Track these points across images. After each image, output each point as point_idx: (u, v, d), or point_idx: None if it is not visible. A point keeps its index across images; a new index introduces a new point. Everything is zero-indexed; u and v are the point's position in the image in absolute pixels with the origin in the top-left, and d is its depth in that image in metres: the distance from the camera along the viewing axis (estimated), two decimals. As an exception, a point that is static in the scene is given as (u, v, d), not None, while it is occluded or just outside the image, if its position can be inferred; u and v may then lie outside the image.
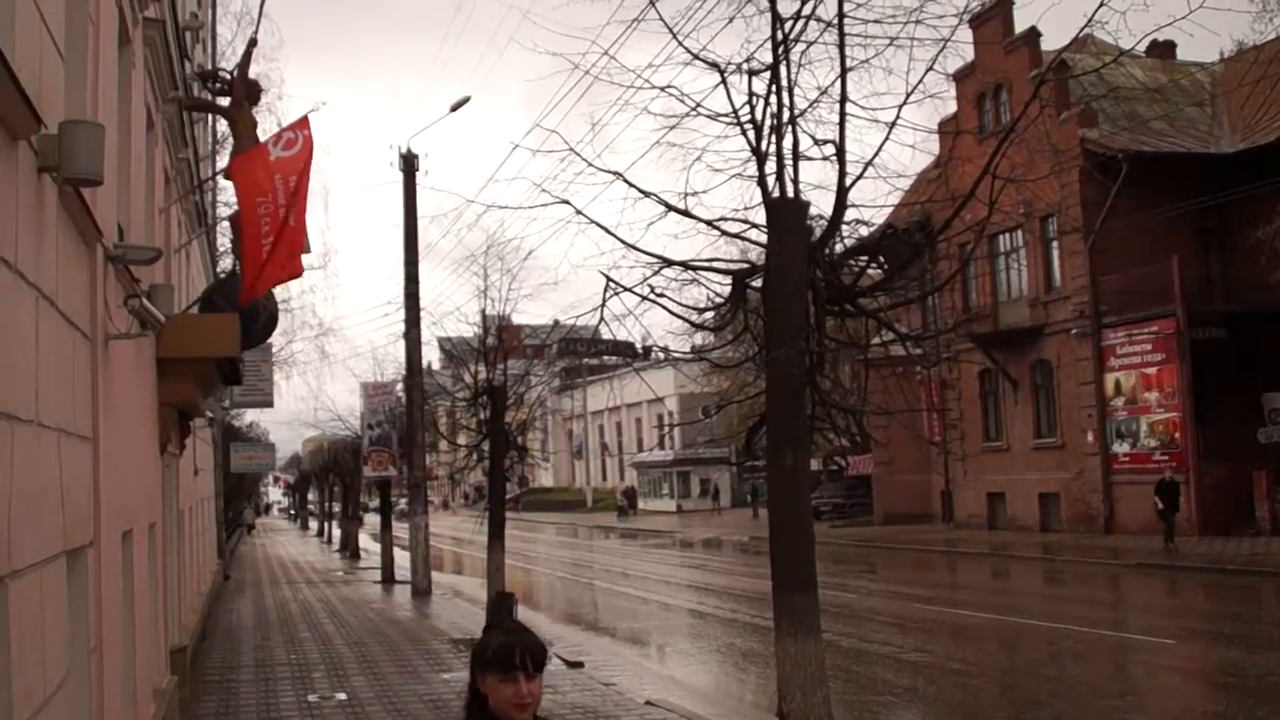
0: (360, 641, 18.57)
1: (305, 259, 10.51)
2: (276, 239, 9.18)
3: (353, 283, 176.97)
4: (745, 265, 8.78)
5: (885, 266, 9.19)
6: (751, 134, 7.96)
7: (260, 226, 9.30)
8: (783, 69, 7.86)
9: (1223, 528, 30.41)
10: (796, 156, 8.01)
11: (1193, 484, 31.51)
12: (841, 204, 8.01)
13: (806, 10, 7.88)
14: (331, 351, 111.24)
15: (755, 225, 8.25)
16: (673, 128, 8.31)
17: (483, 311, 20.17)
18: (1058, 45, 13.06)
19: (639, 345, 26.10)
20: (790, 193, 8.01)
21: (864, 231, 8.64)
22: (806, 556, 8.00)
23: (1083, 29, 7.66)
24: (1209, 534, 30.63)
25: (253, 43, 13.54)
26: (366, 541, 48.76)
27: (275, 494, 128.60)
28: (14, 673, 4.53)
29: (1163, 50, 36.97)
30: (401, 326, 28.24)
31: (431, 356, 38.39)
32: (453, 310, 39.82)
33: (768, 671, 12.83)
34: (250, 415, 49.65)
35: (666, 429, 67.69)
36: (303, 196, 9.54)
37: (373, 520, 54.98)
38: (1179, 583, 24.57)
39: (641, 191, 8.23)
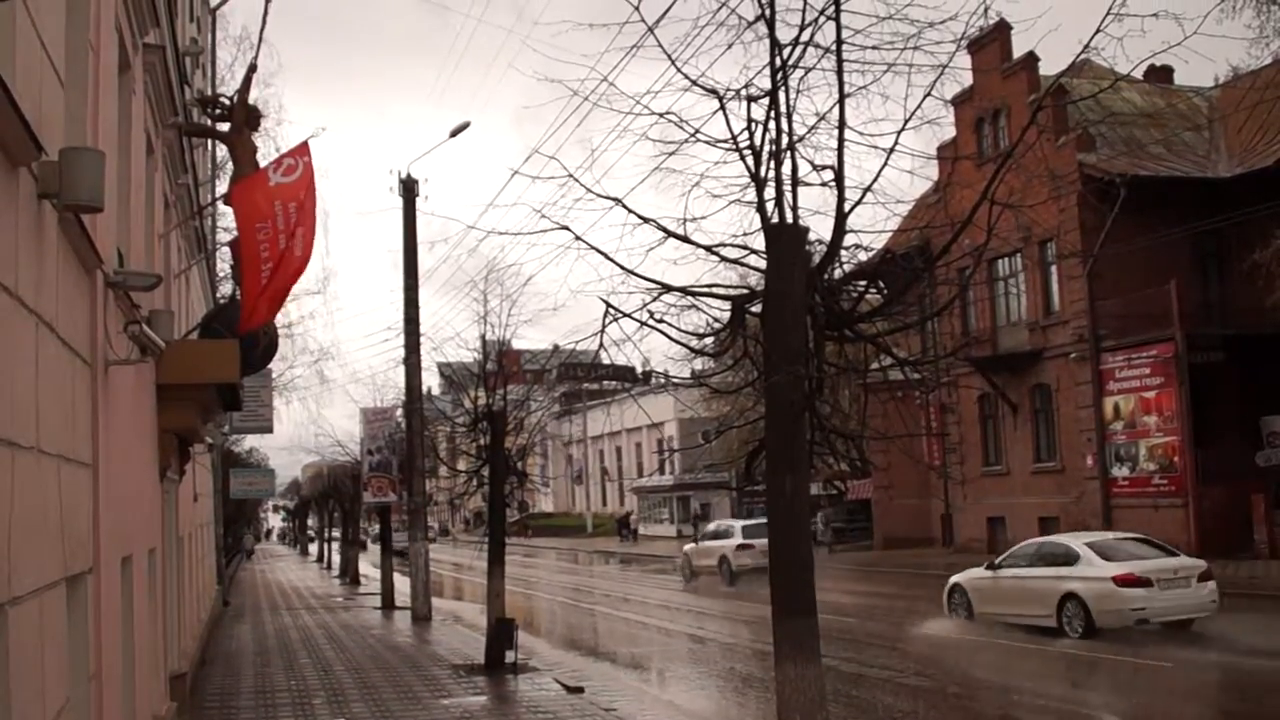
0: (360, 668, 18.51)
1: (304, 283, 10.49)
2: (276, 266, 9.15)
3: (352, 307, 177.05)
4: (744, 291, 8.79)
5: (884, 291, 9.21)
6: (750, 160, 7.99)
7: (259, 253, 9.28)
8: (781, 95, 7.89)
9: (1221, 551, 30.31)
10: (795, 182, 8.04)
11: (1191, 507, 31.46)
12: (840, 229, 8.03)
13: (805, 37, 7.91)
14: (331, 376, 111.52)
15: (754, 251, 8.26)
16: (671, 154, 8.33)
17: (482, 337, 20.19)
18: (1055, 70, 13.13)
19: (639, 370, 26.09)
20: (789, 218, 8.03)
21: (863, 256, 8.65)
22: (806, 581, 7.99)
23: (1080, 54, 7.69)
24: (1207, 557, 30.49)
25: (252, 68, 13.61)
26: (366, 567, 48.68)
27: (275, 520, 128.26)
28: (13, 700, 4.52)
29: (1160, 75, 37.09)
30: (401, 352, 28.29)
31: (431, 382, 38.31)
32: (452, 336, 39.84)
33: (768, 696, 12.78)
34: (250, 441, 49.56)
35: (666, 454, 67.58)
36: (310, 224, 9.51)
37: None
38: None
39: (640, 217, 8.25)
